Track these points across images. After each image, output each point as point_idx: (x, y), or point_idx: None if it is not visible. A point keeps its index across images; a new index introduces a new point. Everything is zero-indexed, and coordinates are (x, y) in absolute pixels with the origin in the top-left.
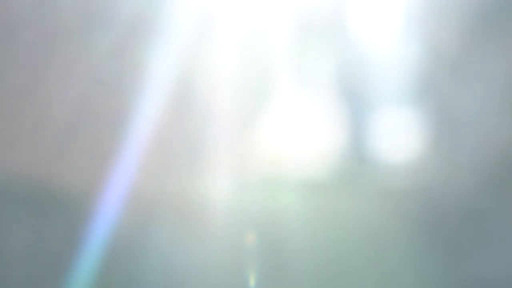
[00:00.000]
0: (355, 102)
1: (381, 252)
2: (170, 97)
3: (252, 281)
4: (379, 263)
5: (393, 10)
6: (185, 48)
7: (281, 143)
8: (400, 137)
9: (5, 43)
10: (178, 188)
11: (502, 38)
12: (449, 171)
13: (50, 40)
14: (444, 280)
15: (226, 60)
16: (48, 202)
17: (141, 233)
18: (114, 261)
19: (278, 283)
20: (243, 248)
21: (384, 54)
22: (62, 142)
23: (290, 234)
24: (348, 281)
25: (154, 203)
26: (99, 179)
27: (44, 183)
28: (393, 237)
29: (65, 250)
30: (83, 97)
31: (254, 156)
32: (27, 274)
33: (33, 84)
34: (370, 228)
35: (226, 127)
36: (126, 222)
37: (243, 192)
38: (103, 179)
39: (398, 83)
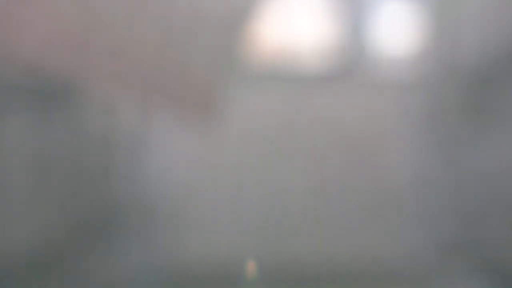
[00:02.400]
0: None
1: (381, 144)
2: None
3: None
4: (378, 155)
5: None
6: None
7: (282, 36)
8: (400, 31)
9: None
10: (179, 81)
11: None
12: (449, 66)
13: None
14: (443, 174)
15: None
16: (54, 95)
17: (142, 122)
18: (115, 150)
19: (281, 166)
20: (242, 139)
21: None
22: (72, 37)
23: (291, 127)
24: (347, 169)
25: (158, 96)
26: (106, 73)
27: (52, 76)
28: (394, 129)
29: (68, 140)
30: None
31: (254, 49)
32: (29, 164)
33: None
34: (370, 120)
35: (227, 21)
36: (130, 114)
37: (244, 85)
38: (109, 72)
39: None
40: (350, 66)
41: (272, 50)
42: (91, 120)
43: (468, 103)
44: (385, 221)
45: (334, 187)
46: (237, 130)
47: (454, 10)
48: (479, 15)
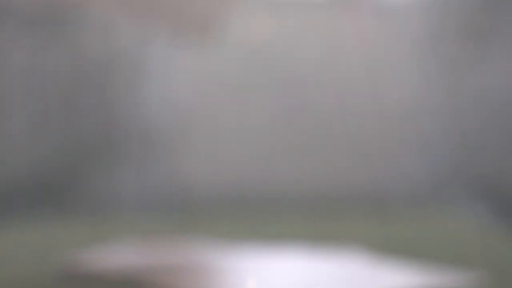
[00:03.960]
0: None
1: (380, 68)
2: None
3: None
4: (377, 79)
5: None
6: None
7: None
8: None
9: None
10: (178, 1)
11: None
12: None
13: None
14: (443, 98)
15: None
16: (50, 18)
17: (141, 45)
18: (116, 74)
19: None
20: (242, 63)
21: None
22: None
23: (290, 51)
24: (346, 93)
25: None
26: None
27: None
28: (393, 53)
29: (68, 64)
30: None
31: None
32: (29, 88)
33: None
34: (369, 44)
35: None
36: (127, 35)
37: (243, 8)
38: None
39: None
40: None
41: None
42: (91, 43)
43: (468, 26)
44: (384, 145)
45: (334, 110)
46: (237, 54)
47: None
48: None
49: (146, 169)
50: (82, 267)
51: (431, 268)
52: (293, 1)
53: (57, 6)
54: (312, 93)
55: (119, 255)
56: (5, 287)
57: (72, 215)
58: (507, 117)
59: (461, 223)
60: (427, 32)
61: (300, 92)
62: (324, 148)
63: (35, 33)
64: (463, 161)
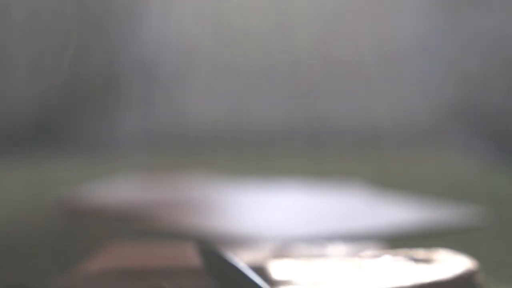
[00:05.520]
0: None
1: (381, 6)
2: None
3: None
4: (379, 20)
5: None
6: None
7: None
8: None
9: None
10: None
11: None
12: None
13: None
14: (444, 30)
15: None
16: None
17: None
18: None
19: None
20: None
21: None
22: None
23: None
24: (346, 31)
25: None
26: None
27: None
28: None
29: (66, 5)
30: None
31: None
32: (29, 27)
33: None
34: None
35: None
36: None
37: None
38: None
39: None
40: None
41: None
42: None
43: None
44: (384, 83)
45: (334, 49)
46: None
47: None
48: None
49: (145, 108)
50: (80, 203)
51: (432, 203)
52: None
53: None
54: (312, 31)
55: (117, 191)
56: (1, 224)
57: (71, 153)
58: (507, 55)
59: (462, 160)
60: None
61: (299, 33)
62: (324, 86)
63: None
64: (464, 99)
